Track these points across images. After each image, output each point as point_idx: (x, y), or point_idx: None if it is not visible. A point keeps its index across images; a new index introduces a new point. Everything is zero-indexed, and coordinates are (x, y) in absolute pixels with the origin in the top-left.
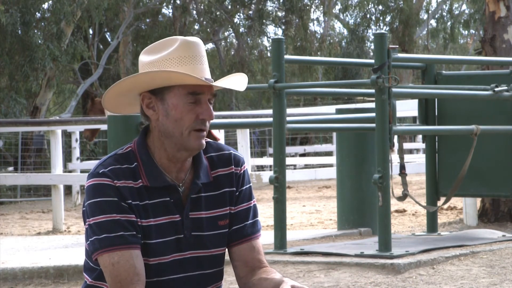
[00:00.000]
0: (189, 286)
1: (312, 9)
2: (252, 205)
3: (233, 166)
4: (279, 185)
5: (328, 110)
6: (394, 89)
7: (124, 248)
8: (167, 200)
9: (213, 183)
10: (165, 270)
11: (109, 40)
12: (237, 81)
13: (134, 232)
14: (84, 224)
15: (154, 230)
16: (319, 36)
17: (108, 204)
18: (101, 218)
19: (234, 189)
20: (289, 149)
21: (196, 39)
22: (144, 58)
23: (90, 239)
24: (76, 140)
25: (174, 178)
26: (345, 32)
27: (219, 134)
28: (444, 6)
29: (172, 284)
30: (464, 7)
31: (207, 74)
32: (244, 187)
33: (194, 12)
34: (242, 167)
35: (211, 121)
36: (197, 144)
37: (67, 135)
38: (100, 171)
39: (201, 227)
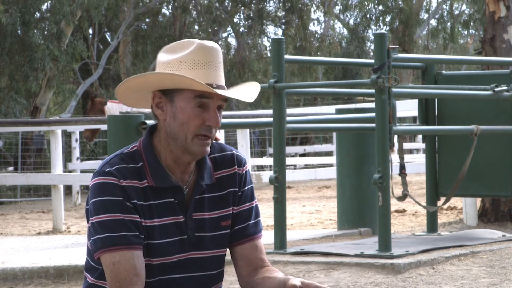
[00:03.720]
0: (191, 286)
1: (312, 9)
2: (254, 205)
3: (236, 167)
4: (279, 185)
5: (328, 110)
6: (394, 89)
7: (126, 249)
8: (172, 201)
9: (216, 184)
10: (168, 270)
11: (109, 40)
12: (247, 91)
13: (137, 233)
14: (87, 223)
15: (158, 230)
16: (319, 36)
17: (112, 203)
18: (104, 217)
19: (237, 189)
20: (289, 149)
21: (213, 45)
22: (161, 57)
23: (92, 238)
24: (76, 140)
25: (179, 179)
26: (345, 32)
27: (219, 134)
28: (444, 6)
29: (174, 284)
30: (464, 7)
31: (220, 81)
32: (246, 187)
33: (194, 12)
34: (244, 167)
35: None
36: (200, 151)
37: (67, 135)
38: (106, 170)
39: (204, 228)
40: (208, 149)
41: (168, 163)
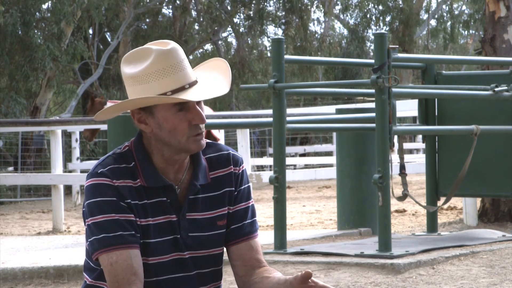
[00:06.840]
0: (188, 285)
1: (312, 9)
2: (250, 204)
3: (232, 166)
4: (279, 185)
5: (328, 110)
6: (394, 89)
7: (123, 248)
8: (164, 200)
9: (211, 184)
10: (164, 269)
11: (109, 40)
12: (219, 81)
13: (133, 232)
14: (84, 224)
15: (152, 230)
16: (319, 36)
17: (106, 204)
18: (99, 218)
19: (233, 188)
20: (289, 149)
21: (171, 46)
22: (125, 68)
23: (89, 240)
24: (76, 140)
25: (172, 179)
26: (345, 32)
27: (219, 134)
28: (444, 6)
29: (171, 284)
30: (464, 7)
31: (189, 78)
32: (242, 187)
33: (194, 12)
34: (241, 166)
35: (212, 120)
36: (196, 147)
37: (67, 135)
38: (99, 171)
39: (199, 227)
40: (203, 142)
41: (160, 164)
